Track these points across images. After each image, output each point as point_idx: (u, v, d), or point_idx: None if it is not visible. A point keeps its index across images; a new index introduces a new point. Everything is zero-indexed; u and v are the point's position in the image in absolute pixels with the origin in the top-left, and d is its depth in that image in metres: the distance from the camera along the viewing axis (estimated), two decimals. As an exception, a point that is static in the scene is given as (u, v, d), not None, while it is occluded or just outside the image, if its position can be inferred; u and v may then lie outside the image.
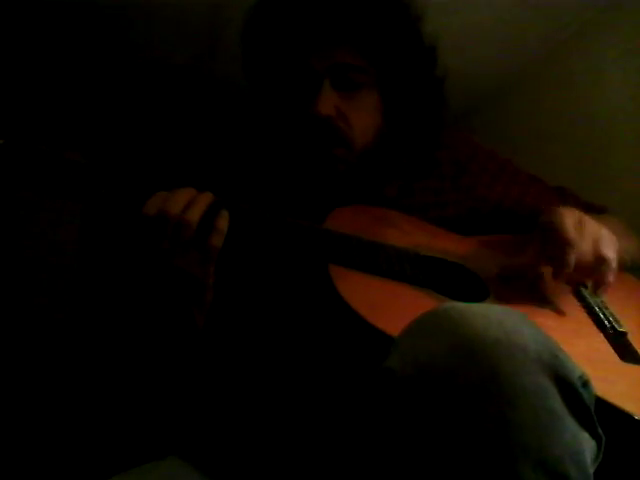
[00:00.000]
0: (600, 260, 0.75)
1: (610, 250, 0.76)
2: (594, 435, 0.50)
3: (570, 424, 0.48)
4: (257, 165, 0.98)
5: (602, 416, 0.52)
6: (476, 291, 0.79)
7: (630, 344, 0.75)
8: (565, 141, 1.40)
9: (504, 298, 0.78)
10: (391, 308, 0.70)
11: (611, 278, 0.77)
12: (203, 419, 0.77)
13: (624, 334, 0.76)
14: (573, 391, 0.49)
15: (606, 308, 0.80)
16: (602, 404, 0.60)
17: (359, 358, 0.67)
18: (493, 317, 0.51)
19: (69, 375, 1.06)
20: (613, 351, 0.73)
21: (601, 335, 0.75)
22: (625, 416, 0.62)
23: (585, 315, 0.78)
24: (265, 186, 0.92)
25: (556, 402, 0.47)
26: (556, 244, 0.74)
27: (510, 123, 1.59)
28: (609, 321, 0.77)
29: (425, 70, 0.91)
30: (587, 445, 0.49)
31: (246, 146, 1.02)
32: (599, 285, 0.78)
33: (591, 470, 0.49)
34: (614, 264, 0.76)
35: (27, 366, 1.07)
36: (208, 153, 1.42)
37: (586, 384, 0.51)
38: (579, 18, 1.34)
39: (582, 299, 0.81)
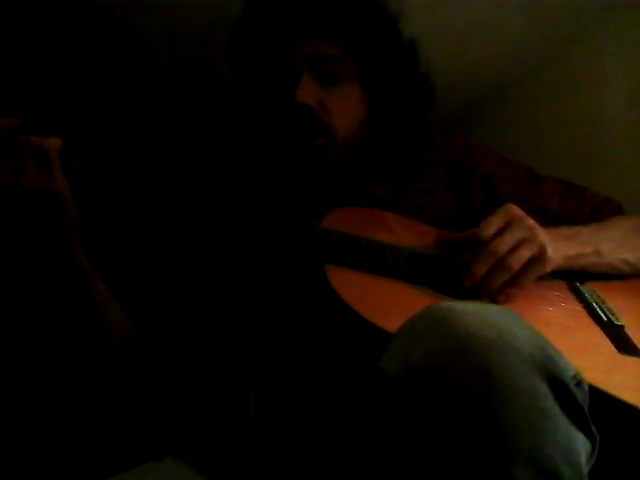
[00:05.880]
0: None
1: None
2: (588, 435, 0.50)
3: (563, 424, 0.48)
4: (251, 164, 0.99)
5: (600, 407, 0.52)
6: (470, 288, 0.79)
7: (628, 337, 0.75)
8: (565, 141, 1.39)
9: None
10: (388, 304, 0.70)
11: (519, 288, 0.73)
12: (202, 420, 0.77)
13: (621, 327, 0.76)
14: (566, 391, 0.49)
15: (603, 303, 0.80)
16: (600, 395, 0.60)
17: (356, 356, 0.67)
18: (486, 317, 0.51)
19: (67, 374, 1.06)
20: (610, 343, 0.73)
21: (598, 328, 0.75)
22: (623, 406, 0.62)
23: (582, 309, 0.78)
24: (260, 187, 0.93)
25: (549, 402, 0.47)
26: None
27: (510, 123, 1.59)
28: (606, 315, 0.77)
29: (403, 61, 0.92)
30: (581, 444, 0.49)
31: (239, 146, 1.03)
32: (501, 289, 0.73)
33: (585, 470, 0.49)
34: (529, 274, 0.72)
35: (25, 366, 1.07)
36: (203, 151, 1.42)
37: (579, 384, 0.50)
38: (579, 18, 1.33)
39: (578, 294, 0.81)
